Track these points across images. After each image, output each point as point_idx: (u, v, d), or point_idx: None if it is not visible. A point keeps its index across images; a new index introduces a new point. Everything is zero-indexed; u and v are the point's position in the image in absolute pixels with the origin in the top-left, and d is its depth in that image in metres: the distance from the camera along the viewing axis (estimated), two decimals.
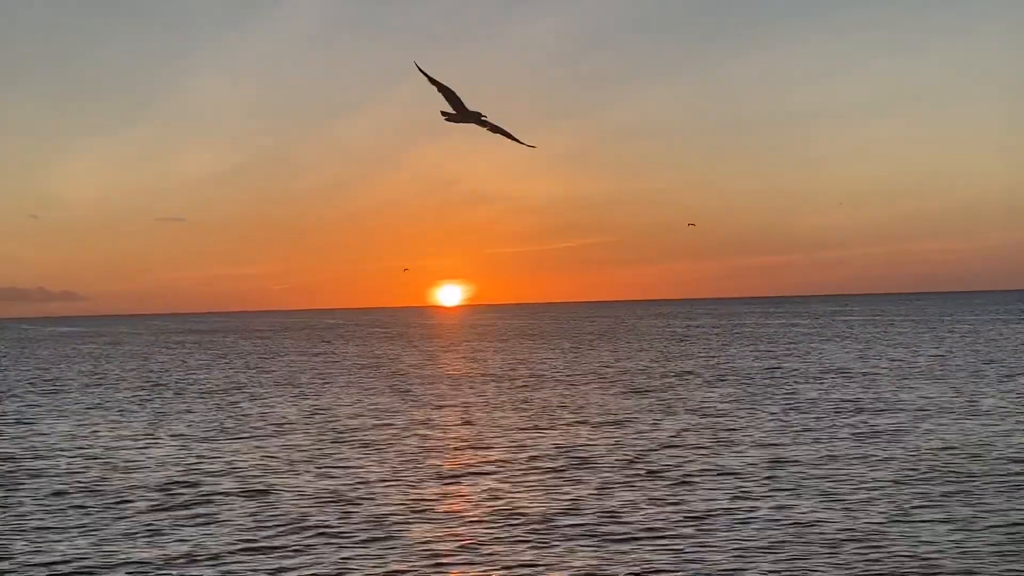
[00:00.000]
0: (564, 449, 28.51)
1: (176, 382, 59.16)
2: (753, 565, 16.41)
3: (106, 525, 20.21)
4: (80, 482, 25.18)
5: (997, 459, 25.21)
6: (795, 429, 31.42)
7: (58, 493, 23.74)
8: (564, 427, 33.35)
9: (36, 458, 29.52)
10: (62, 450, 31.05)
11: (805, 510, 20.07)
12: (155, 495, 23.17)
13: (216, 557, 17.56)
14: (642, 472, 24.54)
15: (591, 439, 30.29)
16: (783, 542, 17.73)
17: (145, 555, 17.81)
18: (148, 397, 49.30)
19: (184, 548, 18.20)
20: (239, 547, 18.17)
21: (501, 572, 16.34)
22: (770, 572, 16.03)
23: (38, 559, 17.78)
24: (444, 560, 17.07)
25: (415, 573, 16.43)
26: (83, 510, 21.72)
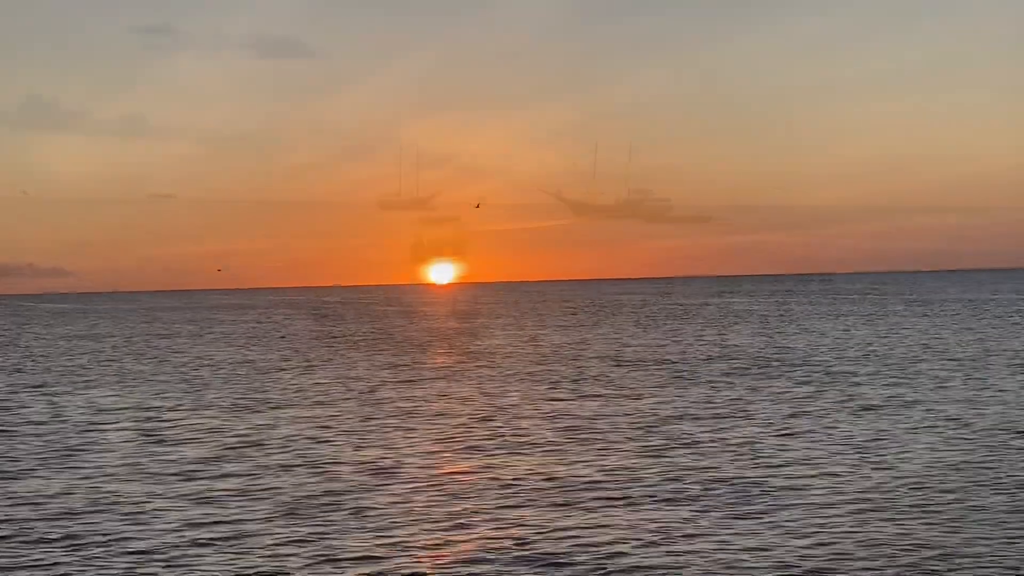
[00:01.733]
0: (590, 420, 29.63)
1: (192, 358, 60.10)
2: (763, 540, 17.55)
3: (154, 495, 21.26)
4: (124, 454, 26.35)
5: (1010, 438, 26.14)
6: (799, 405, 32.58)
7: (102, 465, 24.90)
8: (585, 400, 34.47)
9: (73, 433, 30.67)
10: (99, 424, 32.19)
11: (818, 490, 21.21)
12: (199, 467, 24.34)
13: (264, 523, 18.59)
14: (667, 443, 25.67)
15: (614, 411, 31.40)
16: (795, 518, 18.78)
17: (192, 523, 18.90)
18: (170, 372, 50.30)
19: (232, 519, 19.29)
20: (281, 517, 19.15)
21: (531, 537, 17.28)
22: (777, 545, 17.04)
23: (88, 530, 18.77)
24: (475, 528, 18.00)
25: (453, 541, 17.31)
26: (132, 480, 22.83)
